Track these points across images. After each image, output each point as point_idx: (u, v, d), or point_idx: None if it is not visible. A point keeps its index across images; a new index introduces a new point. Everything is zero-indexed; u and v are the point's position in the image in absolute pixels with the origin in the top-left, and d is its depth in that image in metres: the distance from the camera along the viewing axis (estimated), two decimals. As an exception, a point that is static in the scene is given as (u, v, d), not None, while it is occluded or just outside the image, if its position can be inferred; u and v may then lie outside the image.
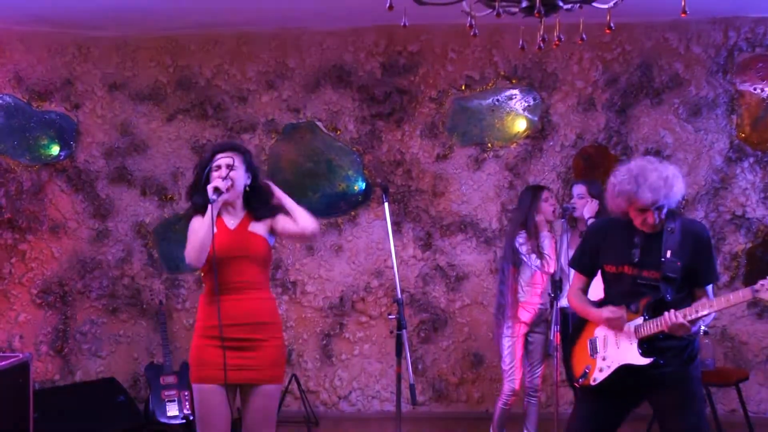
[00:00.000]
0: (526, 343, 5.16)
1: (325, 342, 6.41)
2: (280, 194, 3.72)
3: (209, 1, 5.62)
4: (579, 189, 5.18)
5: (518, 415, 5.32)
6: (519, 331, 5.08)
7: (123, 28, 6.28)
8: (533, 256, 4.98)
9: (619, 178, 3.44)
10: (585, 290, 3.73)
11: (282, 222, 3.65)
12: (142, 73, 6.45)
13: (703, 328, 5.27)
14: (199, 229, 3.49)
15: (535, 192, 5.17)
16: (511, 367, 5.08)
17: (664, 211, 3.41)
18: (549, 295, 5.11)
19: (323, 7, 5.81)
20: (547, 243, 5.01)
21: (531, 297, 5.08)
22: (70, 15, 5.92)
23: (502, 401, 5.14)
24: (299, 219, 3.63)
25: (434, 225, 6.34)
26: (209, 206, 3.45)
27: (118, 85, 6.44)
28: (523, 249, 5.02)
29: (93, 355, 6.43)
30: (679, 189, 3.39)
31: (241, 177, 3.59)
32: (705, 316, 3.30)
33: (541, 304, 5.12)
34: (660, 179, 3.35)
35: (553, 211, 5.14)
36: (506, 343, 5.09)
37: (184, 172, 6.32)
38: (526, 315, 5.10)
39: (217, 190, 3.46)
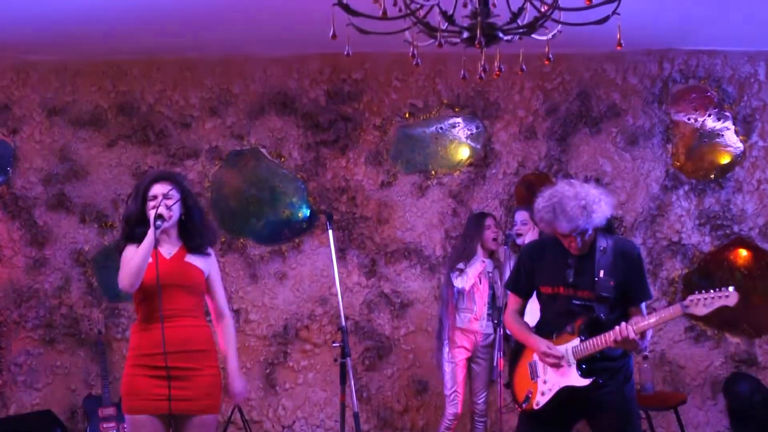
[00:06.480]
0: (470, 369, 5.21)
1: (268, 371, 6.34)
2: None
3: (151, 26, 5.58)
4: (522, 215, 5.23)
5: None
6: (459, 356, 5.15)
7: (63, 53, 6.17)
8: (455, 273, 5.08)
9: (540, 205, 3.48)
10: (521, 312, 3.77)
11: (215, 288, 3.74)
12: (83, 98, 6.35)
13: (644, 353, 5.40)
14: (135, 254, 3.45)
15: (478, 219, 5.26)
16: (452, 392, 5.14)
17: (589, 233, 3.45)
18: (493, 322, 5.17)
19: (267, 34, 5.81)
20: (475, 265, 5.09)
21: (468, 323, 5.14)
22: (8, 38, 5.79)
23: (445, 425, 5.24)
24: (221, 310, 3.78)
25: (379, 252, 6.34)
26: (149, 232, 3.43)
27: (58, 110, 6.32)
28: (455, 273, 5.11)
29: (28, 387, 6.23)
30: (601, 212, 3.42)
31: (177, 207, 3.57)
32: (649, 327, 3.35)
33: (481, 329, 5.17)
34: (578, 208, 3.37)
35: (494, 239, 5.23)
36: (447, 368, 5.17)
37: (125, 198, 6.20)
38: (464, 340, 5.15)
39: (160, 216, 3.44)
